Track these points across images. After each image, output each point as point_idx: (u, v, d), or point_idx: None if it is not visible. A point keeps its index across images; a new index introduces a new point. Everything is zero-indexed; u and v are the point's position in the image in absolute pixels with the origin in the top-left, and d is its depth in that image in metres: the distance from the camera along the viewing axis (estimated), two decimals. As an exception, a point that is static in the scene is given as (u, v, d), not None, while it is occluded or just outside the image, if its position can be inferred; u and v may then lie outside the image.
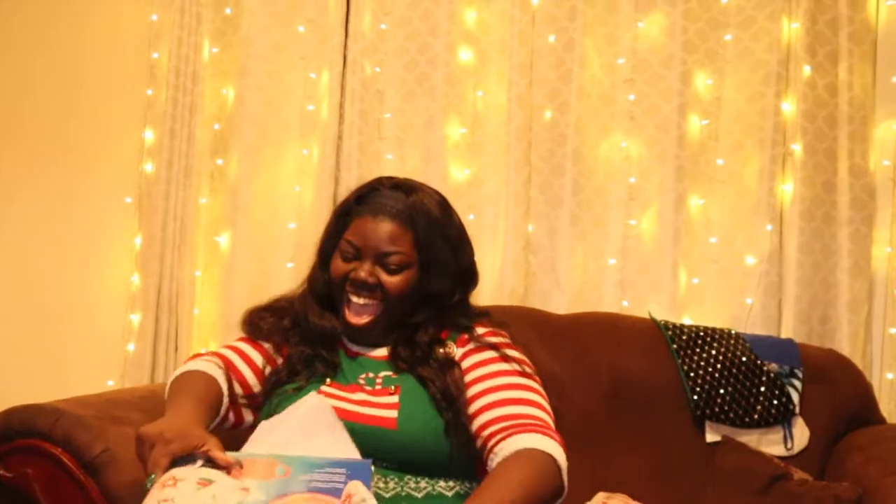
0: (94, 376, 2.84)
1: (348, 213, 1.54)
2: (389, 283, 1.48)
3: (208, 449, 1.19)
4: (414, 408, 1.42)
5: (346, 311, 1.50)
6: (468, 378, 1.46)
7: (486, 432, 1.37)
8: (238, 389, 1.54)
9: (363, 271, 1.47)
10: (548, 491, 1.27)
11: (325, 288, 1.57)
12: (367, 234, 1.48)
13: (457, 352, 1.49)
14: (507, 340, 1.53)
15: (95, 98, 3.01)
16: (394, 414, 1.40)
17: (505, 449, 1.31)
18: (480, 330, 1.53)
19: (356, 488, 1.12)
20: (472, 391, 1.44)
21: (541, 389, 1.45)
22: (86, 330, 2.96)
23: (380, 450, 1.37)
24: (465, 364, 1.48)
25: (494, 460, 1.32)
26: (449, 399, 1.43)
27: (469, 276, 1.59)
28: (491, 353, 1.48)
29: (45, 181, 3.01)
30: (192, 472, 1.16)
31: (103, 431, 1.52)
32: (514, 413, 1.37)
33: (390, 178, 1.58)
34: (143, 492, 1.16)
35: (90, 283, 2.97)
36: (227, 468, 1.17)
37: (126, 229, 2.91)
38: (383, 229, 1.48)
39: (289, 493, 1.13)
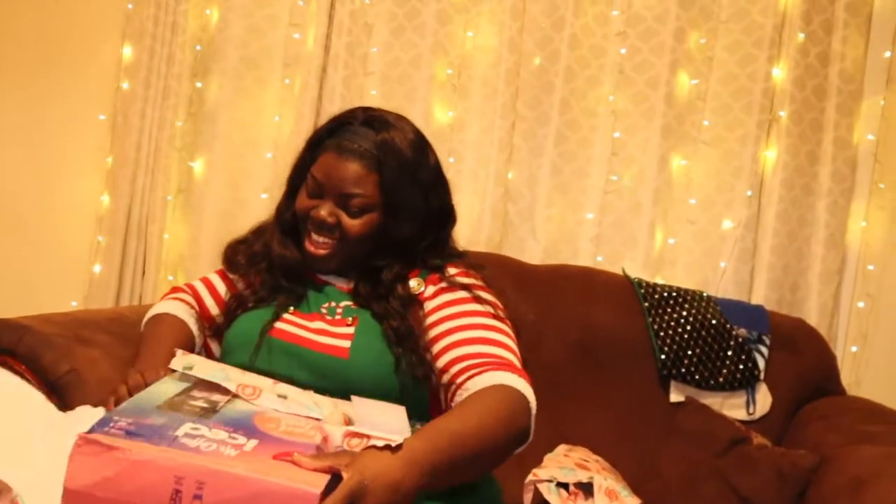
0: (58, 296, 2.80)
1: (319, 144, 1.49)
2: (349, 225, 1.43)
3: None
4: (368, 340, 1.39)
5: (306, 242, 1.47)
6: (437, 316, 1.42)
7: (455, 368, 1.33)
8: (204, 323, 1.58)
9: (324, 210, 1.43)
10: (515, 429, 1.24)
11: (291, 218, 1.53)
12: (331, 173, 1.42)
13: (427, 290, 1.45)
14: (480, 283, 1.49)
15: (73, 8, 2.91)
16: (347, 344, 1.38)
17: (477, 384, 1.28)
18: (452, 270, 1.48)
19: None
20: (441, 328, 1.39)
21: (513, 335, 1.41)
22: (52, 248, 2.90)
23: (330, 378, 1.35)
24: (435, 302, 1.44)
25: (463, 395, 1.29)
26: (401, 336, 1.39)
27: (443, 218, 1.53)
28: (463, 294, 1.43)
29: (18, 89, 2.92)
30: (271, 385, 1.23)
31: (69, 351, 1.49)
32: (487, 352, 1.33)
33: (366, 110, 1.50)
34: None
35: (59, 200, 2.91)
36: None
37: (98, 147, 2.84)
38: (347, 169, 1.42)
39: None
